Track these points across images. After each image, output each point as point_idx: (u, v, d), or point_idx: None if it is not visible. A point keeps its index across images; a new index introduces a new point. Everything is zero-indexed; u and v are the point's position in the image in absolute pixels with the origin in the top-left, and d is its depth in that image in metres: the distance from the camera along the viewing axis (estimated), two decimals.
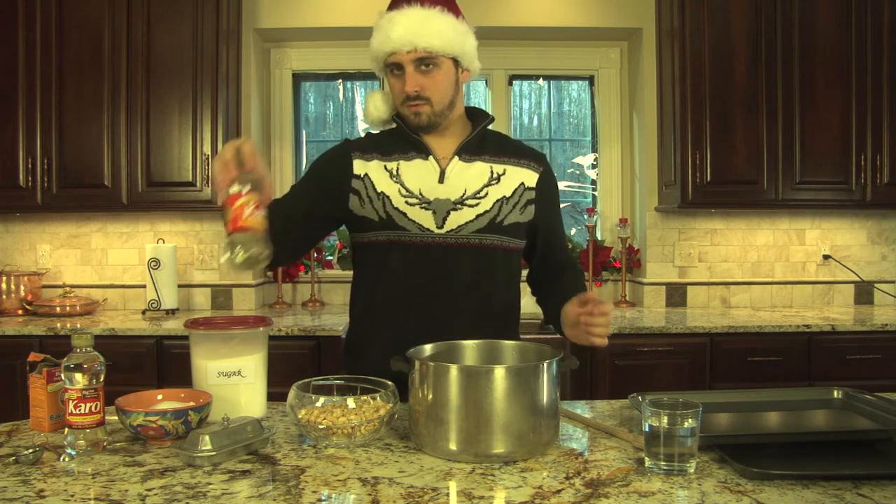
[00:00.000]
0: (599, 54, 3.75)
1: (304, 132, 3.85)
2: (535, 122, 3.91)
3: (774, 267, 3.60)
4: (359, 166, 1.57)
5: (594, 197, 3.84)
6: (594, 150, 3.85)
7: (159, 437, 1.22)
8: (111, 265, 3.48)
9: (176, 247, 3.29)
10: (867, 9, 3.21)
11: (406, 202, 1.53)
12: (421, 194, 1.53)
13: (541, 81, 3.88)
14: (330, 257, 3.68)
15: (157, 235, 3.45)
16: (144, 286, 3.33)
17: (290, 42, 3.69)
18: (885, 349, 2.94)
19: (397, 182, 1.54)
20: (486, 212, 1.54)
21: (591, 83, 3.83)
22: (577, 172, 3.87)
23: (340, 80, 3.87)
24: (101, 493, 1.01)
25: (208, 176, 3.14)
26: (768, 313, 3.30)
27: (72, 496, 1.00)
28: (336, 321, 3.02)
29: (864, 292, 3.63)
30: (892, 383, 2.77)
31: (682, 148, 3.22)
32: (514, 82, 3.83)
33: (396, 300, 1.55)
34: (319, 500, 0.99)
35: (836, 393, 1.46)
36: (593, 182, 3.85)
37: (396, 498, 0.99)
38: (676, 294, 3.54)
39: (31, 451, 1.14)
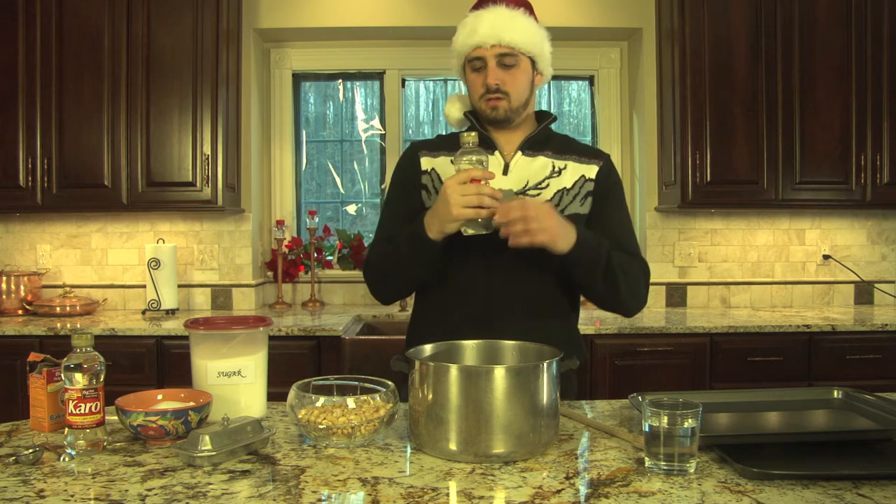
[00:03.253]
0: (599, 54, 3.75)
1: (304, 132, 3.85)
2: None
3: (774, 267, 3.60)
4: (426, 163, 1.66)
5: None
6: None
7: (159, 437, 1.22)
8: (111, 265, 3.48)
9: (176, 247, 3.29)
10: (867, 9, 3.21)
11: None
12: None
13: None
14: (330, 257, 3.68)
15: (157, 235, 3.45)
16: (144, 286, 3.33)
17: (290, 42, 3.69)
18: (885, 349, 2.94)
19: None
20: (547, 201, 1.57)
21: (591, 83, 3.83)
22: None
23: (340, 80, 3.86)
24: (101, 493, 1.01)
25: (208, 176, 3.14)
26: (768, 313, 3.30)
27: (72, 496, 1.00)
28: (336, 321, 3.02)
29: (864, 292, 3.63)
30: (892, 383, 2.78)
31: (682, 148, 3.22)
32: None
33: (460, 286, 1.59)
34: (319, 500, 0.99)
35: (836, 393, 1.45)
36: None
37: (396, 498, 0.99)
38: (676, 294, 3.54)
39: (31, 451, 1.14)
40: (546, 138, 1.67)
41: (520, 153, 1.63)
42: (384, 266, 1.60)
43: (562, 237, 1.42)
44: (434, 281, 1.62)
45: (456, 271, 1.59)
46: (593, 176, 1.64)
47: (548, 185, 1.61)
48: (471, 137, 1.40)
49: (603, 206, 1.64)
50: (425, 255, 1.50)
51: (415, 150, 1.69)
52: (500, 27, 1.55)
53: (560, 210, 1.58)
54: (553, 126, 1.71)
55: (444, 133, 1.81)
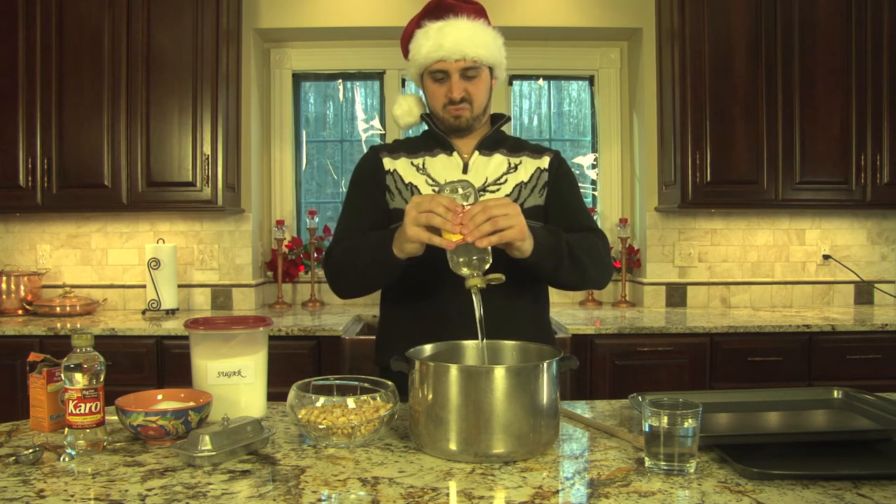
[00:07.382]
0: (599, 54, 3.75)
1: (304, 132, 3.85)
2: (535, 122, 3.91)
3: (774, 267, 3.60)
4: (388, 163, 1.70)
5: (594, 197, 3.84)
6: (594, 150, 3.85)
7: (159, 437, 1.22)
8: (111, 265, 3.48)
9: (176, 247, 3.29)
10: (867, 9, 3.21)
11: (433, 190, 1.63)
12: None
13: (541, 81, 3.88)
14: None
15: (157, 235, 3.45)
16: (144, 286, 3.33)
17: (290, 42, 3.69)
18: (885, 349, 2.94)
19: (423, 174, 1.67)
20: (506, 196, 1.64)
21: (591, 83, 3.83)
22: (578, 172, 3.87)
23: (340, 80, 3.86)
24: (101, 493, 1.01)
25: (208, 176, 3.14)
26: (768, 313, 3.30)
27: (72, 496, 1.00)
28: (336, 321, 3.02)
29: (864, 292, 3.63)
30: (892, 383, 2.78)
31: (682, 148, 3.22)
32: (514, 82, 3.83)
33: (427, 285, 1.60)
34: (319, 500, 0.99)
35: (836, 393, 1.45)
36: (593, 182, 3.85)
37: (396, 498, 0.99)
38: (676, 294, 3.54)
39: (31, 451, 1.14)
40: (500, 139, 1.74)
41: (477, 153, 1.69)
42: (346, 263, 1.58)
43: (528, 235, 1.38)
44: (410, 277, 1.57)
45: (430, 267, 1.52)
46: (546, 166, 1.71)
47: (506, 180, 1.67)
48: (474, 281, 1.32)
49: (557, 189, 1.70)
50: (387, 269, 1.49)
51: (375, 152, 1.73)
52: (464, 43, 1.59)
53: (520, 204, 1.61)
54: (506, 127, 1.77)
55: (400, 138, 1.85)
